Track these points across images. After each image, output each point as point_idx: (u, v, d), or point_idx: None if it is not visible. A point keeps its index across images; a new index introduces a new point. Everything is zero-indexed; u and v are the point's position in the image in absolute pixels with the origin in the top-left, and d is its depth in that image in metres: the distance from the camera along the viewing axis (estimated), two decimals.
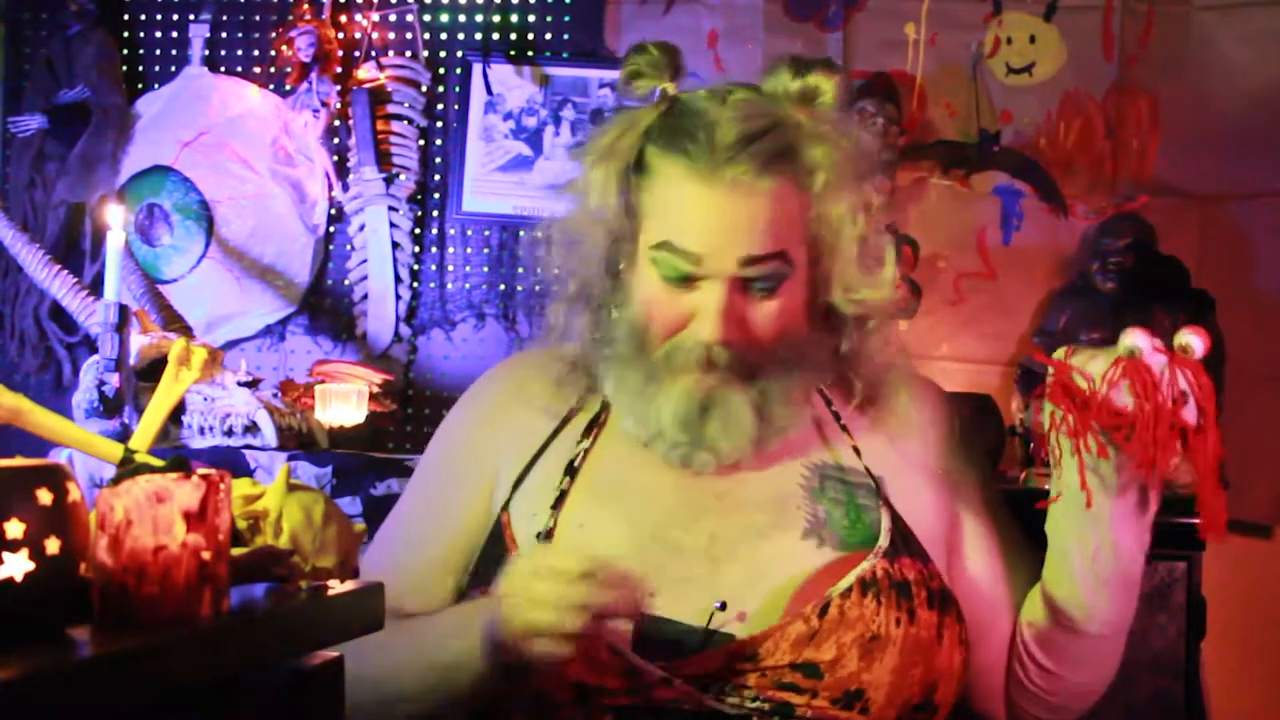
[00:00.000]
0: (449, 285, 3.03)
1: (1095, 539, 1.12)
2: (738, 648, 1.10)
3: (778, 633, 1.10)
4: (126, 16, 3.18)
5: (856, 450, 1.25)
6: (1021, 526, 1.31)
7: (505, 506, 1.24)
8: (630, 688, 1.09)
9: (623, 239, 1.22)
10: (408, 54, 3.04)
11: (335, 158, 3.04)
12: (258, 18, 3.13)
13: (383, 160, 3.00)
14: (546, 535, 1.18)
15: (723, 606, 1.13)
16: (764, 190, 1.14)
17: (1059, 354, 1.09)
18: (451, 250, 3.04)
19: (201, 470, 0.78)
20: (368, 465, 2.41)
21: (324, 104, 2.98)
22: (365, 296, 3.03)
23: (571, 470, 1.22)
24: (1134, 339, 1.03)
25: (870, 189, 1.23)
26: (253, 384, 2.42)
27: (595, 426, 1.26)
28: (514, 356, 1.41)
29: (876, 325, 1.25)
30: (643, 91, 1.23)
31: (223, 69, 3.14)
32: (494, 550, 1.22)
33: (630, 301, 1.22)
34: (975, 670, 1.22)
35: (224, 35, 3.14)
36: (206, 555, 0.77)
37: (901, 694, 1.11)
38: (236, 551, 0.87)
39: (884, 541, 1.17)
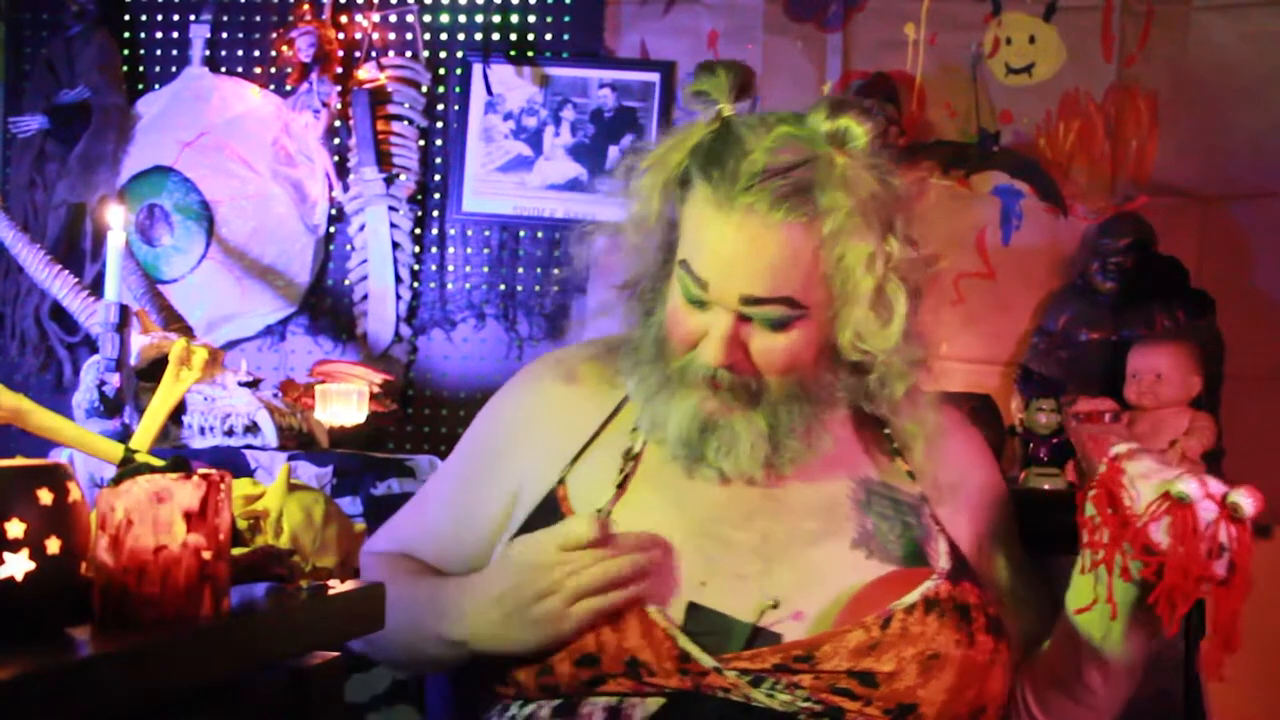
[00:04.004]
0: (449, 285, 3.03)
1: (1104, 626, 1.13)
2: (795, 647, 1.11)
3: (837, 638, 1.11)
4: (127, 17, 3.19)
5: (911, 475, 1.26)
6: (1021, 526, 1.32)
7: (562, 480, 1.25)
8: (682, 670, 1.11)
9: (663, 247, 1.25)
10: (408, 54, 3.04)
11: (335, 158, 3.04)
12: (258, 18, 3.13)
13: (383, 160, 3.00)
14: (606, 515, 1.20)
15: (776, 605, 1.14)
16: (774, 224, 1.14)
17: (1118, 449, 1.09)
18: (451, 250, 3.04)
19: (202, 470, 0.79)
20: (368, 465, 2.41)
21: (324, 104, 2.99)
22: (365, 296, 3.03)
23: (632, 456, 1.25)
24: (1185, 485, 1.02)
25: (893, 239, 1.23)
26: (253, 384, 2.42)
27: None
28: (555, 352, 1.42)
29: (903, 371, 1.25)
30: (704, 108, 1.23)
31: (223, 69, 3.14)
32: (545, 521, 1.22)
33: (661, 308, 1.25)
34: None
35: (224, 35, 3.14)
36: (207, 555, 0.77)
37: (951, 712, 1.12)
38: (236, 551, 0.87)
39: (946, 564, 1.18)
